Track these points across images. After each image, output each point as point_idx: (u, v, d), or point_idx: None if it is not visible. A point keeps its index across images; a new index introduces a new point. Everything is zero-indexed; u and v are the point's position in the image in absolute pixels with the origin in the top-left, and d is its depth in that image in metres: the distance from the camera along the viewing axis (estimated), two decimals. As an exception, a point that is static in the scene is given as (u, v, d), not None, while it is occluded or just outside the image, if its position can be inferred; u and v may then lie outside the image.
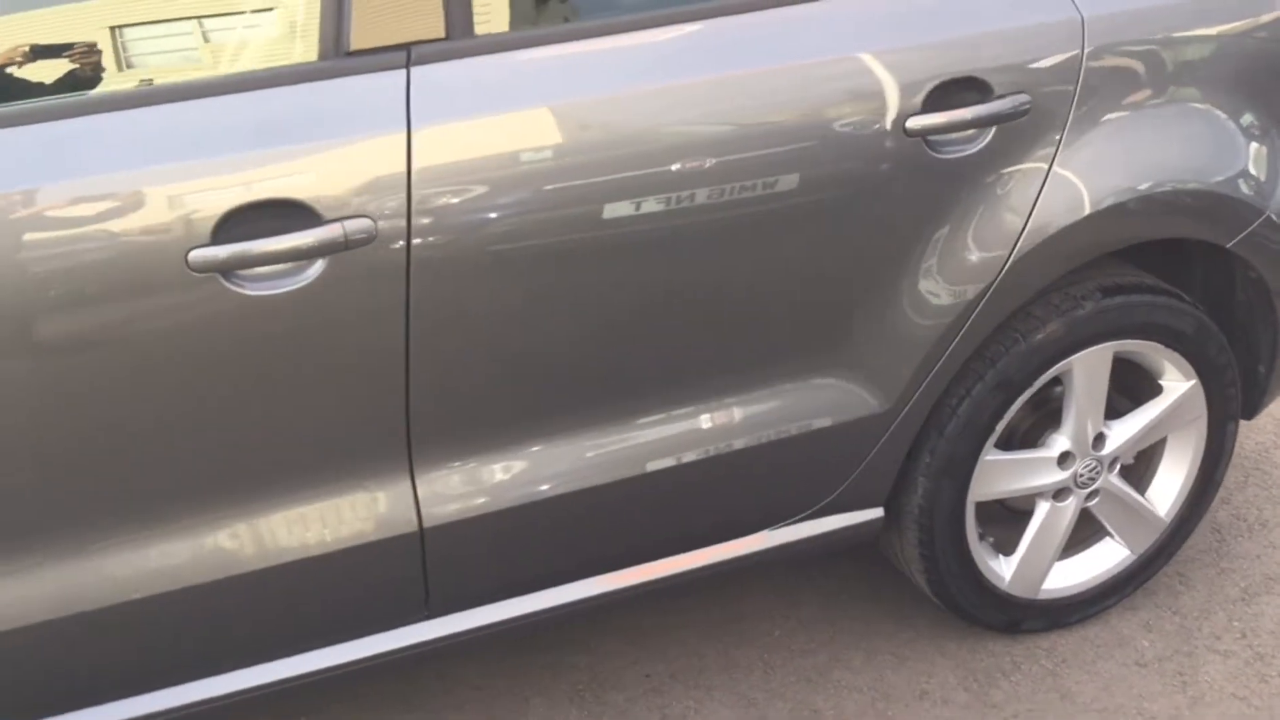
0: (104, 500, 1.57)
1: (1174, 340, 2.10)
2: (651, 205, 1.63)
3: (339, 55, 1.51)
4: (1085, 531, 2.28)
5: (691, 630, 2.33)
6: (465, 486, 1.73)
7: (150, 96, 1.48)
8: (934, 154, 1.77)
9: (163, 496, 1.59)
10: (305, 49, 1.52)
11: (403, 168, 1.51)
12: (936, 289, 1.86)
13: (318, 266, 1.50)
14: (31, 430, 1.48)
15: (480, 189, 1.55)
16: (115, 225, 1.42)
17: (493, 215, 1.56)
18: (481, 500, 1.73)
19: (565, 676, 2.23)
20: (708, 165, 1.64)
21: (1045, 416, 2.17)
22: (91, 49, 1.50)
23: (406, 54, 1.53)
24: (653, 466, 1.82)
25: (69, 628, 1.59)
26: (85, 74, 1.50)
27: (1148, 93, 1.90)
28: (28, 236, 1.40)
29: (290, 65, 1.53)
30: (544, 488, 1.76)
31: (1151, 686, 2.20)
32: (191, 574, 1.63)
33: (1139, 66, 1.88)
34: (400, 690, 2.20)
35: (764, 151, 1.67)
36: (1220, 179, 1.97)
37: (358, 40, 1.51)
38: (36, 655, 1.61)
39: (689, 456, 1.83)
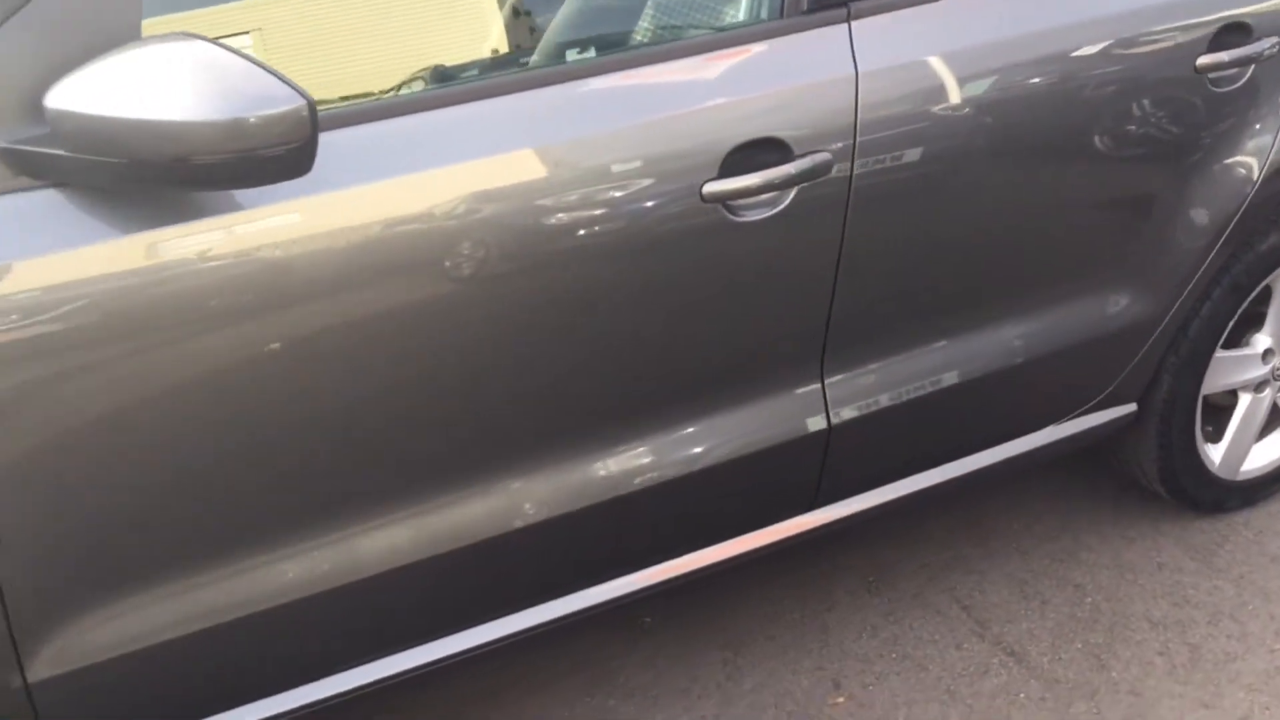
0: (578, 410, 1.78)
1: (1356, 252, 2.46)
2: (1026, 139, 1.91)
3: (796, 13, 1.76)
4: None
5: (939, 529, 2.62)
6: (866, 387, 1.99)
7: (668, 52, 1.71)
8: (1212, 89, 2.08)
9: (634, 405, 1.82)
10: (770, 9, 1.77)
11: (851, 106, 1.76)
12: (1204, 207, 2.18)
13: (791, 195, 1.74)
14: (535, 335, 1.68)
15: (909, 124, 1.81)
16: (649, 164, 1.65)
17: (918, 147, 1.82)
18: (879, 398, 2.00)
19: (852, 573, 2.50)
20: (1066, 105, 1.93)
21: (1241, 322, 2.51)
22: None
23: (846, 10, 1.79)
24: (997, 366, 2.10)
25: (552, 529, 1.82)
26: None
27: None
28: (572, 176, 1.62)
29: (760, 23, 1.77)
30: (931, 383, 2.03)
31: (1341, 548, 2.57)
32: (648, 477, 1.86)
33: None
34: (729, 581, 2.45)
35: (1090, 95, 1.96)
36: None
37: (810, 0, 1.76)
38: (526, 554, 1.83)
39: (1028, 355, 2.12)
